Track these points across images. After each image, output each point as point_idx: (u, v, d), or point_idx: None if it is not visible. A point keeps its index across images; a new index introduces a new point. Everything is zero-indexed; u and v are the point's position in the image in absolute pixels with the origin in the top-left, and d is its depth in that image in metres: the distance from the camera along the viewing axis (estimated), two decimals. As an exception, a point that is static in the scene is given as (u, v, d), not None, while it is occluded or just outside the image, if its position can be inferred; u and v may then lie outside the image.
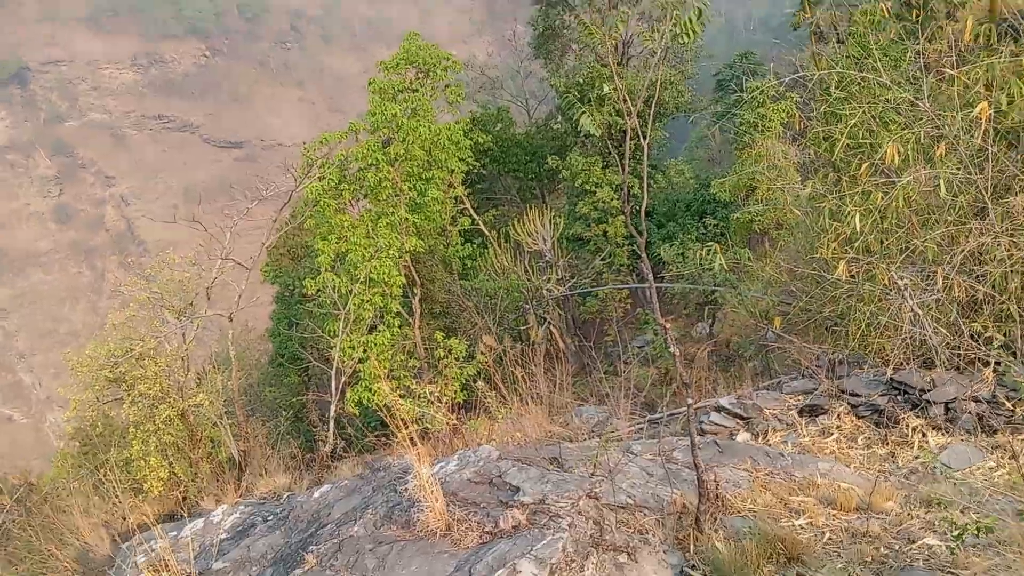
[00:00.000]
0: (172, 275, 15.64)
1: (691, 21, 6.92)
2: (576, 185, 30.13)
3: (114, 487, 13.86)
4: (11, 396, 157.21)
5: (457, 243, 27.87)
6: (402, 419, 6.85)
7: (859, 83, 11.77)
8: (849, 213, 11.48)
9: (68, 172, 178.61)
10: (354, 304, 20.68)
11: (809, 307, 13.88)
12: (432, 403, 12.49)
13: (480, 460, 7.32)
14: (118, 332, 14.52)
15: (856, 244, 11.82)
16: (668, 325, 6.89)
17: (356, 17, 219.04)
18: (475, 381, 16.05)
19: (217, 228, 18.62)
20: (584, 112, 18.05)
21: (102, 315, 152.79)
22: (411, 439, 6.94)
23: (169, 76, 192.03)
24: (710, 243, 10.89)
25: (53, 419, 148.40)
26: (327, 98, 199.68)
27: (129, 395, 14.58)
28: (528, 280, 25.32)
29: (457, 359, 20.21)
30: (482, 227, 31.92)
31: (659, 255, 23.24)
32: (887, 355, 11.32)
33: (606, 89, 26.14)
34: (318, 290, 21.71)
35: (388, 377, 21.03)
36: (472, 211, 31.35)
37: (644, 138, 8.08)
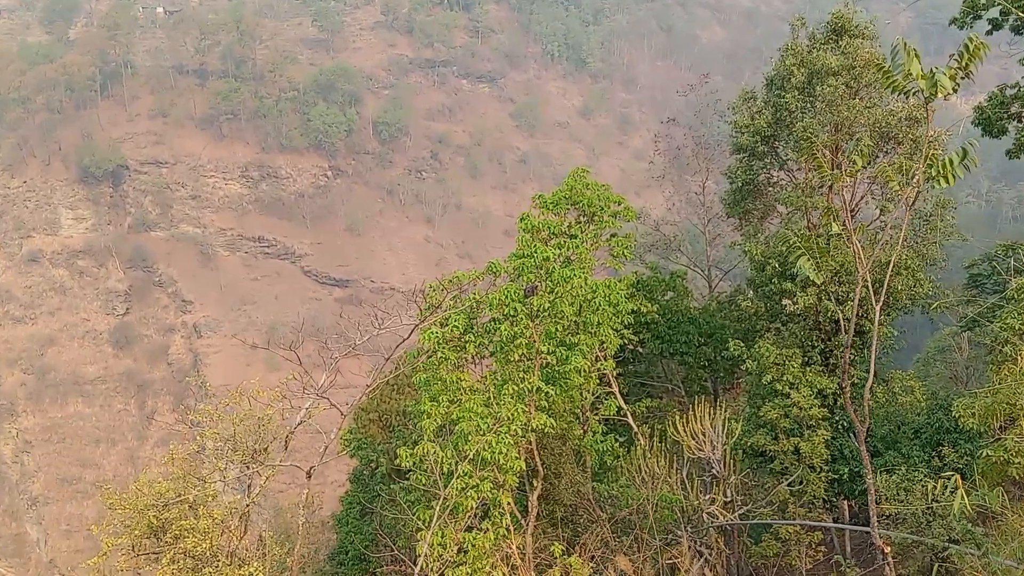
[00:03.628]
0: (250, 410, 16.75)
1: (951, 163, 7.25)
2: (763, 382, 29.87)
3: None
4: (10, 551, 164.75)
5: (597, 432, 27.95)
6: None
7: None
8: None
9: (141, 289, 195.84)
10: (456, 487, 21.00)
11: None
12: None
13: None
14: (177, 468, 15.52)
15: None
16: (887, 549, 6.77)
17: (508, 151, 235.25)
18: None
19: (308, 366, 19.92)
20: (803, 254, 18.35)
21: (139, 466, 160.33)
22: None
23: (279, 193, 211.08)
24: (948, 474, 10.63)
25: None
26: (458, 241, 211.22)
27: (170, 550, 15.31)
28: (685, 496, 24.80)
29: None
30: (629, 418, 31.94)
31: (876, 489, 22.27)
32: None
33: (802, 265, 26.47)
34: (414, 464, 22.27)
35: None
36: (620, 396, 31.60)
37: (851, 329, 8.32)
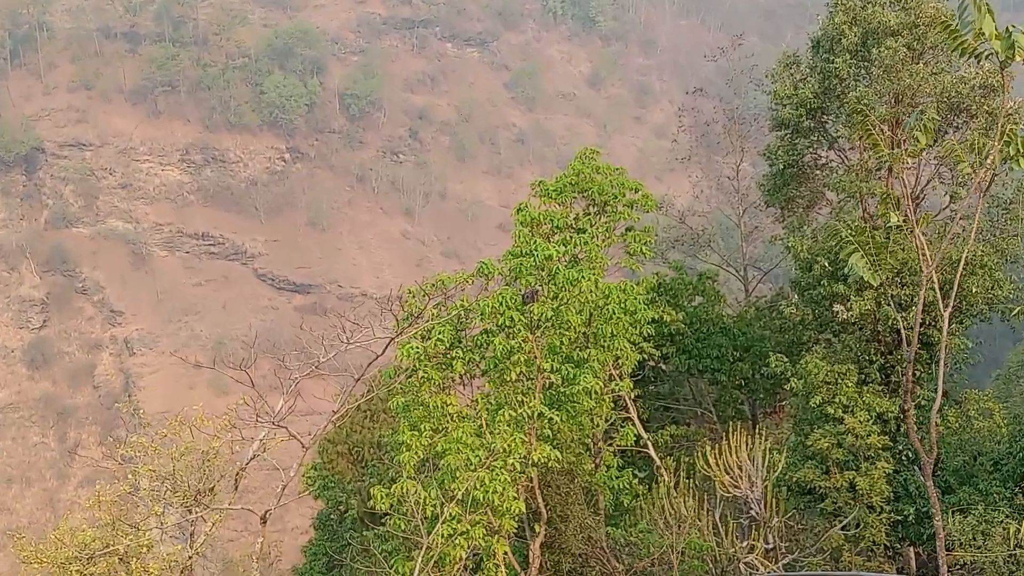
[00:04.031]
0: (193, 442, 16.78)
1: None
2: (812, 405, 29.93)
3: None
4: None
5: (611, 466, 27.98)
6: None
7: None
8: None
9: (61, 297, 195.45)
10: (442, 534, 21.03)
11: None
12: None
13: None
14: (104, 513, 15.56)
15: None
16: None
17: (503, 128, 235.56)
18: None
19: (262, 389, 19.95)
20: (856, 250, 18.45)
21: (60, 511, 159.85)
22: None
23: (227, 181, 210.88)
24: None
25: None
26: (443, 237, 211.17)
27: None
28: (718, 543, 24.83)
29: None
30: (651, 450, 31.97)
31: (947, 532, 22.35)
32: None
33: (855, 264, 26.57)
34: (391, 506, 22.28)
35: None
36: (639, 422, 31.60)
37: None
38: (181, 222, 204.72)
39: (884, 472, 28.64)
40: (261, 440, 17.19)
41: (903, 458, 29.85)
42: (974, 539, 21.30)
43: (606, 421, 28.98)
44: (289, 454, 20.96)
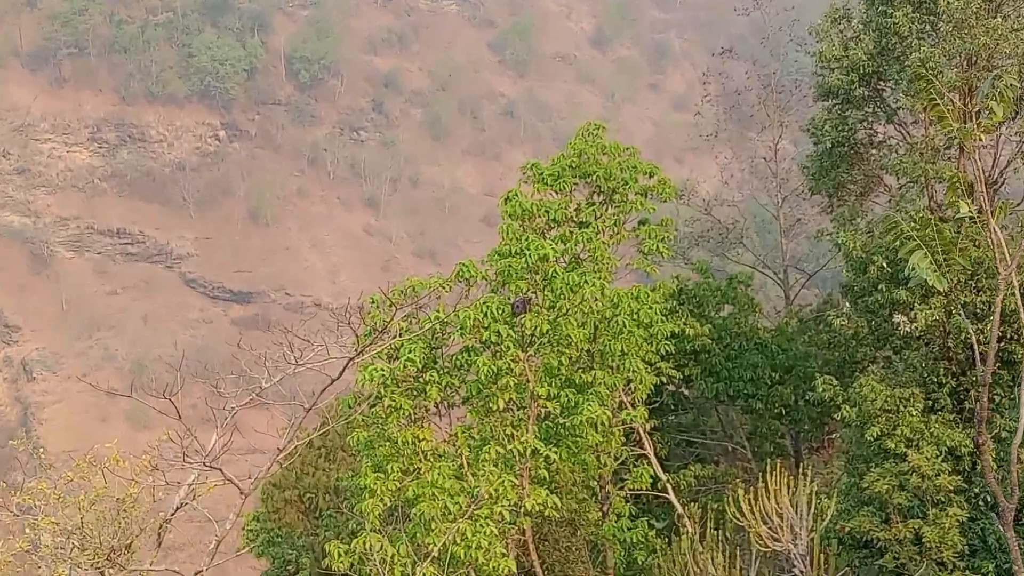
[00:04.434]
0: (103, 491, 16.71)
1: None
2: (868, 438, 29.99)
3: None
4: None
5: (623, 514, 27.98)
6: None
7: None
8: None
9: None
10: (414, 599, 21.03)
11: None
12: None
13: None
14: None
15: None
16: None
17: (488, 98, 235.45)
18: None
19: (191, 421, 19.96)
20: (918, 246, 18.49)
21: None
22: None
23: (149, 164, 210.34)
24: None
25: None
26: (415, 233, 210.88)
27: None
28: (753, 608, 24.93)
29: None
30: (671, 494, 31.98)
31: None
32: None
33: (918, 265, 26.69)
34: (352, 565, 22.26)
35: None
36: (656, 460, 31.60)
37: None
38: (91, 216, 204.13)
39: (957, 520, 28.64)
40: (190, 485, 17.13)
41: (980, 503, 29.87)
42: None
43: (616, 459, 28.99)
44: (225, 502, 20.88)
